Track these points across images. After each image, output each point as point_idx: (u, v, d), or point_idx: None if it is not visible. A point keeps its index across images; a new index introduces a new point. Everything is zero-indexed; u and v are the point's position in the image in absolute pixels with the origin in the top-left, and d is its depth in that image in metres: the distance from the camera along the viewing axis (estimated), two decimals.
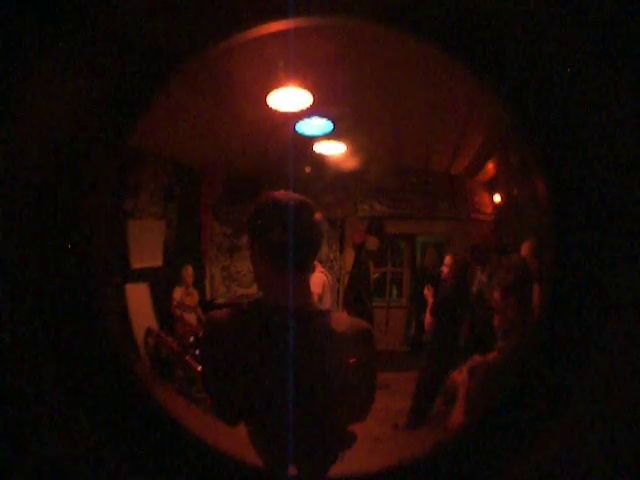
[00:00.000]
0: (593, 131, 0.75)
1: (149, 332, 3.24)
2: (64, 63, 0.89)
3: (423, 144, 1.31)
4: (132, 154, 3.26)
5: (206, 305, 3.86)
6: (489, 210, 1.21)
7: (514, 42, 0.75)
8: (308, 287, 1.10)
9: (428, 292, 1.25)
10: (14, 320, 0.90)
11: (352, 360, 1.01)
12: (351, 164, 1.55)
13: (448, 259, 1.25)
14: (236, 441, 1.38)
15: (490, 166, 1.25)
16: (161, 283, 3.59)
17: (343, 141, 1.44)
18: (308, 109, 1.44)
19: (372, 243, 1.31)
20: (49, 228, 0.99)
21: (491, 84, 0.90)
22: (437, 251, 1.32)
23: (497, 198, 1.23)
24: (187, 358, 1.62)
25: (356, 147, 1.46)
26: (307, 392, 1.00)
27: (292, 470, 1.01)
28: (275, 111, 1.51)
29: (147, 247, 3.61)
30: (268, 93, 1.44)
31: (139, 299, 3.40)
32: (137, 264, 3.45)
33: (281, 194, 1.12)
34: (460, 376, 1.09)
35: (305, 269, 1.09)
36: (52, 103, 0.95)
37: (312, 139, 1.50)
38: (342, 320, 1.15)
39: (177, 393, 2.78)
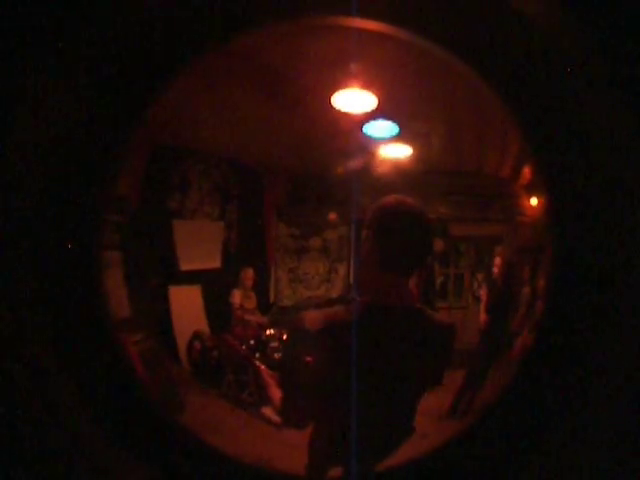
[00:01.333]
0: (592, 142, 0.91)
1: (197, 335, 3.52)
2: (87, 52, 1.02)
3: (476, 149, 1.56)
4: (169, 151, 3.50)
5: (268, 308, 4.09)
6: (529, 212, 1.48)
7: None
8: (410, 288, 1.32)
9: (483, 292, 1.50)
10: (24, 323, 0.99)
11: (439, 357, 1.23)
12: (416, 167, 1.76)
13: (497, 260, 1.51)
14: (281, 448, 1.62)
15: (526, 170, 1.53)
16: (218, 285, 3.85)
17: (408, 144, 1.68)
18: (373, 111, 1.68)
19: (437, 245, 1.56)
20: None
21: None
22: (490, 252, 1.56)
23: (534, 201, 1.51)
24: (255, 360, 1.82)
25: (420, 150, 1.67)
26: (396, 388, 1.22)
27: (354, 466, 1.21)
28: (340, 112, 1.75)
29: (201, 249, 3.88)
30: (333, 94, 1.65)
31: (187, 301, 3.68)
32: (187, 266, 3.72)
33: (397, 198, 1.34)
34: None
35: (412, 272, 1.31)
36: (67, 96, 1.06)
37: (378, 141, 1.75)
38: (433, 317, 1.38)
39: (223, 398, 3.02)
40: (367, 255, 1.22)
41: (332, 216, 2.36)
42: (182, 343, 3.29)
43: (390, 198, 1.26)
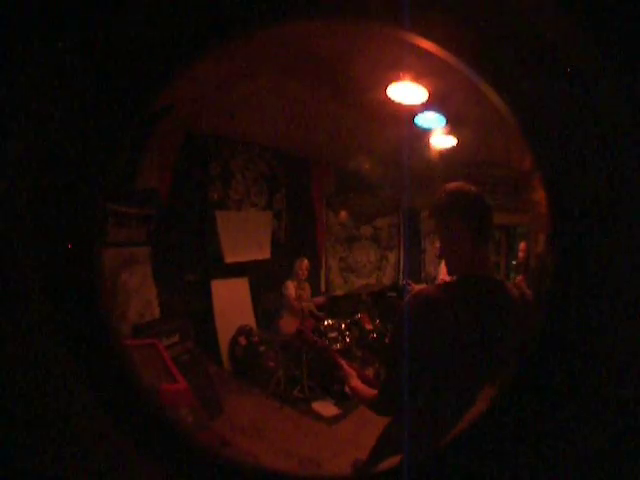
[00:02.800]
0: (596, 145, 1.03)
1: (242, 330, 3.88)
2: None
3: (506, 142, 1.87)
4: (206, 140, 3.72)
5: (321, 298, 4.40)
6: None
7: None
8: (491, 261, 1.66)
9: (519, 278, 1.86)
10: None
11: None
12: (460, 156, 2.08)
13: (522, 245, 1.78)
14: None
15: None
16: (268, 277, 4.18)
17: (453, 135, 1.97)
18: (423, 104, 1.91)
19: None
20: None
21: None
22: (517, 239, 1.90)
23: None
24: (335, 352, 2.03)
25: (464, 141, 1.97)
26: (481, 360, 1.47)
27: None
28: (393, 103, 1.96)
29: (249, 240, 4.22)
30: (385, 85, 1.87)
31: (232, 296, 4.03)
32: (233, 258, 4.06)
33: (460, 184, 1.65)
34: None
35: (490, 242, 1.64)
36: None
37: (427, 132, 2.00)
38: (515, 288, 1.69)
39: (271, 396, 3.35)
40: (456, 232, 1.52)
41: (383, 204, 2.68)
42: (224, 340, 3.61)
43: (457, 184, 1.57)
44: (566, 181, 1.05)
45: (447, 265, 1.51)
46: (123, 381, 1.15)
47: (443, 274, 3.38)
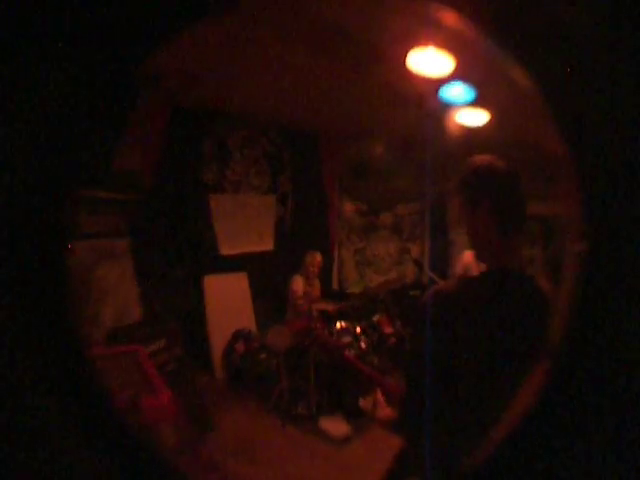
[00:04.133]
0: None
1: (240, 335, 3.89)
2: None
3: (539, 123, 1.86)
4: (198, 115, 3.64)
5: (333, 296, 4.38)
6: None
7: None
8: (521, 253, 1.66)
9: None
10: None
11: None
12: (491, 136, 2.07)
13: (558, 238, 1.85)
14: None
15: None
16: (271, 272, 4.19)
17: (484, 111, 1.98)
18: (449, 75, 1.89)
19: None
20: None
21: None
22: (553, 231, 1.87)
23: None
24: (358, 360, 1.97)
25: (496, 118, 1.98)
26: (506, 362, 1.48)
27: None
28: (415, 74, 1.94)
29: (248, 228, 4.24)
30: (407, 53, 1.83)
31: (227, 294, 4.04)
32: (230, 249, 4.08)
33: (492, 159, 1.64)
34: None
35: (522, 231, 1.64)
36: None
37: (453, 106, 2.01)
38: (543, 285, 1.67)
39: (271, 411, 3.36)
40: (480, 218, 1.51)
41: (405, 188, 2.67)
42: (218, 346, 3.62)
43: (487, 158, 1.55)
44: (600, 168, 1.07)
45: (475, 253, 1.51)
46: (95, 395, 1.17)
47: (460, 267, 3.37)
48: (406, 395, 1.48)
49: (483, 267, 1.45)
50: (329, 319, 4.10)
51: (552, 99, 1.18)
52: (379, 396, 1.80)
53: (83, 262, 2.26)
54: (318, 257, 4.12)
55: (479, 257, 1.45)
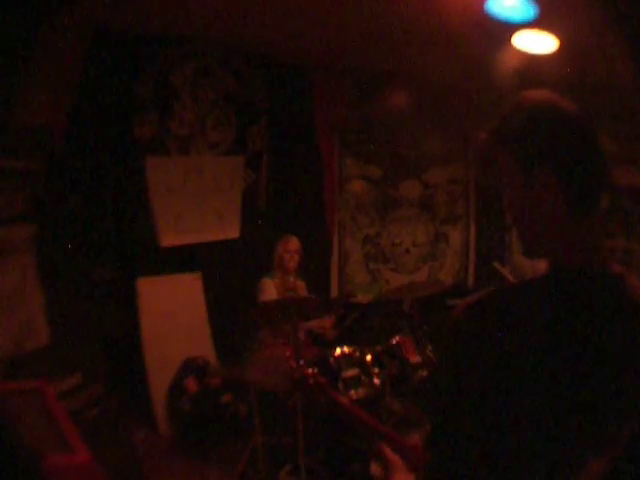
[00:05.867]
0: None
1: (192, 366, 3.89)
2: None
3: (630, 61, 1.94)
4: (128, 40, 3.65)
5: (331, 306, 4.35)
6: None
7: None
8: (603, 240, 1.59)
9: None
10: None
11: None
12: (562, 71, 2.13)
13: None
14: None
15: None
16: (238, 272, 4.13)
17: (551, 34, 2.06)
18: None
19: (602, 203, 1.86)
20: None
21: None
22: None
23: None
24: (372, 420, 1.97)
25: (568, 46, 2.10)
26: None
27: None
28: None
29: (204, 207, 4.20)
30: None
31: (173, 304, 4.03)
32: (173, 239, 4.06)
33: (554, 97, 1.56)
34: None
35: (600, 209, 1.57)
36: None
37: (508, 25, 2.11)
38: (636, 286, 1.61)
39: (240, 477, 3.39)
40: (539, 188, 1.41)
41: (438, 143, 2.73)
42: (160, 384, 3.68)
43: (545, 95, 1.46)
44: None
45: (522, 243, 1.43)
46: None
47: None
48: (430, 457, 1.36)
49: (543, 266, 1.37)
50: (324, 343, 4.07)
51: None
52: (391, 456, 1.72)
53: None
54: (294, 243, 4.15)
55: (534, 251, 1.38)
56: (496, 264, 4.31)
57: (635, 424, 1.21)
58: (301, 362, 3.32)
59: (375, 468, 3.34)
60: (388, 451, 1.60)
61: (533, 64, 2.20)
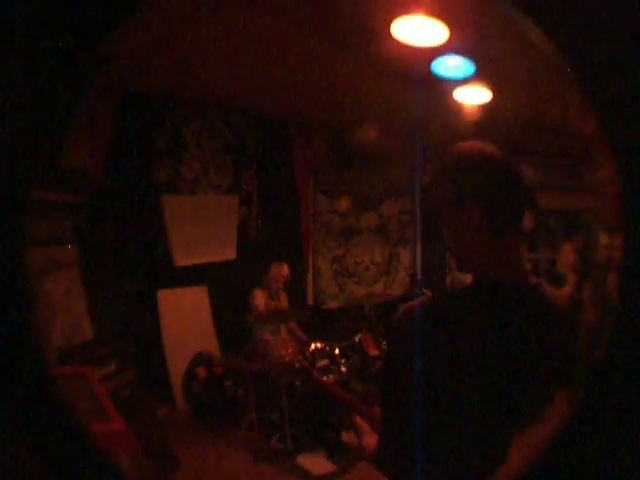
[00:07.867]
0: None
1: (201, 358, 3.88)
2: None
3: (559, 102, 1.87)
4: (149, 101, 3.62)
5: (303, 312, 4.37)
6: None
7: None
8: (522, 258, 1.58)
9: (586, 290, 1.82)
10: None
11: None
12: (497, 116, 2.11)
13: (567, 246, 1.82)
14: None
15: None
16: (235, 285, 4.16)
17: (486, 87, 2.01)
18: (443, 45, 1.92)
19: (527, 222, 1.83)
20: None
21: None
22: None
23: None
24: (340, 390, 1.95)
25: (502, 95, 2.02)
26: (515, 389, 1.42)
27: None
28: (402, 44, 1.96)
29: (208, 234, 4.22)
30: (392, 21, 1.85)
31: (186, 311, 4.04)
32: (185, 259, 4.07)
33: (481, 144, 1.54)
34: None
35: (520, 232, 1.56)
36: None
37: (449, 82, 2.04)
38: (554, 295, 1.60)
39: (240, 444, 3.35)
40: (468, 219, 1.41)
41: (391, 183, 2.68)
42: (177, 371, 3.64)
43: (473, 143, 1.45)
44: None
45: (455, 260, 1.42)
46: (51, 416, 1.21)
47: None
48: (382, 425, 1.43)
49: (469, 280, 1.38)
50: (301, 341, 4.09)
51: (580, 68, 1.21)
52: (361, 423, 1.66)
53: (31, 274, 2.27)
54: (285, 270, 4.21)
55: (464, 267, 1.38)
56: (418, 289, 4.42)
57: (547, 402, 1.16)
58: (289, 350, 3.38)
59: (345, 435, 3.37)
60: (358, 419, 1.56)
61: (472, 113, 2.13)
